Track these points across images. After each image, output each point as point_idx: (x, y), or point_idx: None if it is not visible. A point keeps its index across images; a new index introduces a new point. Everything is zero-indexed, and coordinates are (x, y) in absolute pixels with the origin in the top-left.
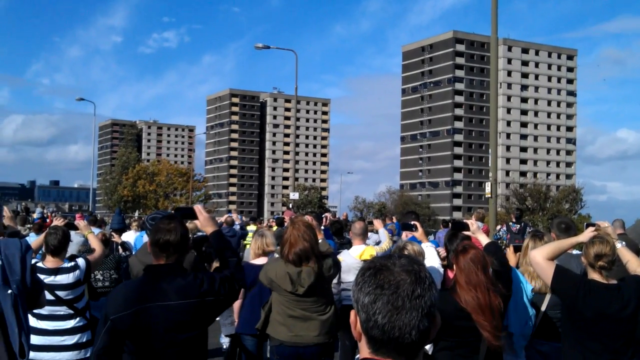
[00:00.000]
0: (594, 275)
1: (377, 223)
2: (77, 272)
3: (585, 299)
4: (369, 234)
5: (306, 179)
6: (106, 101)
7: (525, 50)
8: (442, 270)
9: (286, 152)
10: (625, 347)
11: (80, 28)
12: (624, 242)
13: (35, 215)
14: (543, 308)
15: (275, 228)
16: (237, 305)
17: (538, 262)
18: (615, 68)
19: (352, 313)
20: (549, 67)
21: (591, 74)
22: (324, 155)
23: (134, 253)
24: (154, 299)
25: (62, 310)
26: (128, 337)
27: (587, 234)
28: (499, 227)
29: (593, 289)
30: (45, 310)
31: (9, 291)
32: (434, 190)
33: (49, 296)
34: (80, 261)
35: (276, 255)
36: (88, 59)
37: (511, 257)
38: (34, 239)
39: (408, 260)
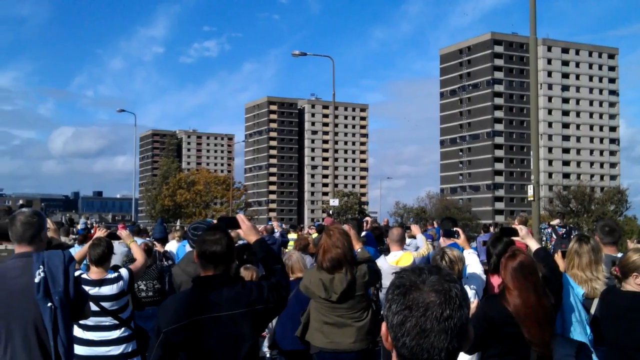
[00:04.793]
0: (629, 287)
1: (415, 228)
2: (121, 282)
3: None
4: (408, 240)
5: (346, 185)
6: (148, 112)
7: (565, 50)
8: (484, 276)
9: (325, 159)
10: None
11: (122, 40)
12: None
13: (79, 226)
14: (592, 312)
15: (315, 235)
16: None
17: None
18: None
19: (384, 326)
20: (590, 66)
21: (638, 72)
22: (363, 161)
23: (176, 263)
24: (205, 311)
25: (107, 320)
26: (181, 349)
27: None
28: (543, 224)
29: (623, 294)
30: (91, 321)
31: (49, 304)
32: (475, 194)
33: (93, 307)
34: (124, 272)
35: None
36: (130, 70)
37: (560, 262)
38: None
39: (438, 278)
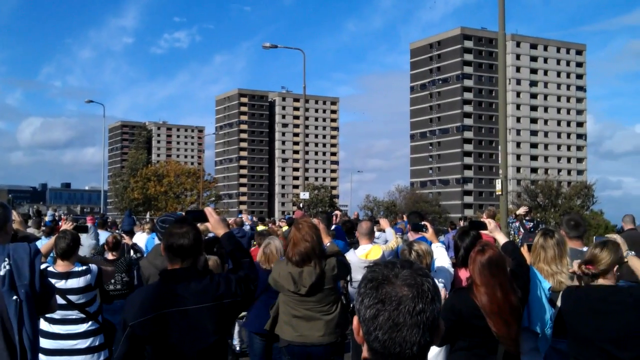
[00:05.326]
0: (601, 281)
1: (384, 222)
2: (88, 276)
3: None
4: (378, 233)
5: (316, 178)
6: (117, 103)
7: (534, 46)
8: (452, 270)
9: (296, 152)
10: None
11: (92, 29)
12: (633, 252)
13: (46, 218)
14: (558, 305)
15: (285, 228)
16: None
17: None
18: (632, 61)
19: (355, 319)
20: (558, 62)
21: (607, 68)
22: (333, 154)
23: (145, 255)
24: (171, 304)
25: (74, 314)
26: (148, 342)
27: None
28: (510, 218)
29: (594, 289)
30: (57, 315)
31: (14, 297)
32: (445, 188)
33: (60, 300)
34: (93, 267)
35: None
36: (100, 61)
37: (526, 256)
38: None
39: (411, 272)
